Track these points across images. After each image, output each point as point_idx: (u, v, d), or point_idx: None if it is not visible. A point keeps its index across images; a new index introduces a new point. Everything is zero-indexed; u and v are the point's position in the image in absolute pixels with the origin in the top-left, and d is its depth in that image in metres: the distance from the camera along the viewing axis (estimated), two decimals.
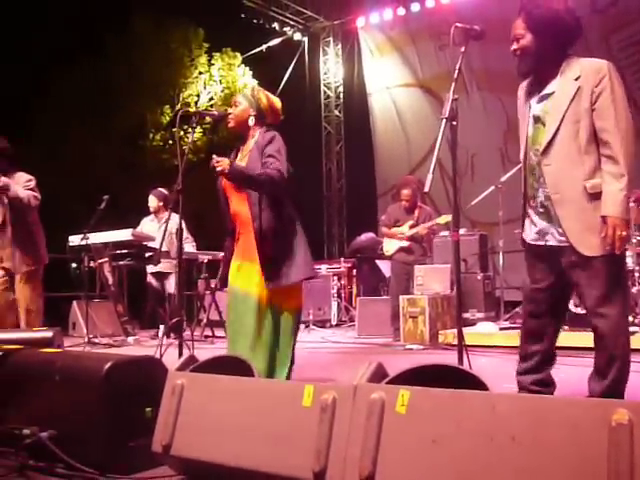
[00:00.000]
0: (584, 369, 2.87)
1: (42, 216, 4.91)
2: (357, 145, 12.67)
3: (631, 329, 3.28)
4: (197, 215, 9.77)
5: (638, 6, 8.93)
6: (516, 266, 4.67)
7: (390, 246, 6.71)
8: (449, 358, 3.69)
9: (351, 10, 12.22)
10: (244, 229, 3.31)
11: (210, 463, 1.90)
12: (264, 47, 12.66)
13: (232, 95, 11.49)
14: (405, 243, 6.59)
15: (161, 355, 3.73)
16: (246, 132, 3.41)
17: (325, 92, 13.31)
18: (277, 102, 3.49)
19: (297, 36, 12.85)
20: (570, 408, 1.42)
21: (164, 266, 7.08)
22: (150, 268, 7.21)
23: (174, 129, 12.57)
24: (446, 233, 7.12)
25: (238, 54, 13.77)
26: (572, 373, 3.40)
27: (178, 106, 13.20)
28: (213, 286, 7.13)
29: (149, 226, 7.31)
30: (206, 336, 7.01)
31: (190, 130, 4.14)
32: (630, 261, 5.37)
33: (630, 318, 4.90)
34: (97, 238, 6.68)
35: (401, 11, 11.35)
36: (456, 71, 2.79)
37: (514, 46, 2.74)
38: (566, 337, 3.74)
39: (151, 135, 13.43)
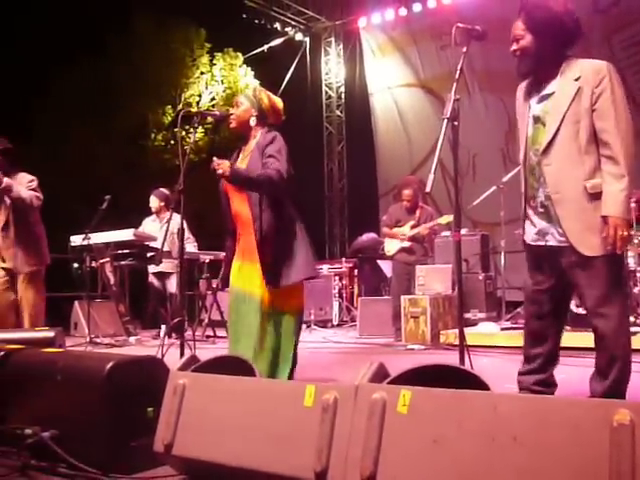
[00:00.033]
0: (585, 369, 2.87)
1: (43, 216, 4.90)
2: (358, 145, 12.66)
3: (632, 329, 3.27)
4: (198, 215, 9.76)
5: None
6: (518, 266, 4.67)
7: (391, 246, 6.71)
8: (450, 358, 3.70)
9: (353, 10, 12.22)
10: (245, 230, 3.31)
11: (211, 463, 1.90)
12: (266, 47, 12.66)
13: (234, 95, 11.48)
14: (406, 243, 6.58)
15: (163, 355, 3.72)
16: (248, 132, 3.42)
17: (327, 92, 13.30)
18: (279, 102, 3.49)
19: (299, 36, 12.84)
20: (571, 408, 1.42)
21: (166, 266, 7.08)
22: (152, 268, 7.22)
23: (176, 129, 12.56)
24: (447, 233, 7.12)
25: (240, 54, 13.76)
26: (573, 373, 3.40)
27: (180, 106, 13.20)
28: (215, 286, 7.13)
29: (151, 226, 7.32)
30: (207, 336, 7.02)
31: (192, 130, 4.15)
32: (632, 261, 5.37)
33: (631, 318, 4.90)
34: (99, 238, 6.68)
35: (403, 11, 11.34)
36: (458, 71, 2.80)
37: (514, 47, 2.75)
38: (567, 337, 3.73)
39: (153, 135, 13.42)
